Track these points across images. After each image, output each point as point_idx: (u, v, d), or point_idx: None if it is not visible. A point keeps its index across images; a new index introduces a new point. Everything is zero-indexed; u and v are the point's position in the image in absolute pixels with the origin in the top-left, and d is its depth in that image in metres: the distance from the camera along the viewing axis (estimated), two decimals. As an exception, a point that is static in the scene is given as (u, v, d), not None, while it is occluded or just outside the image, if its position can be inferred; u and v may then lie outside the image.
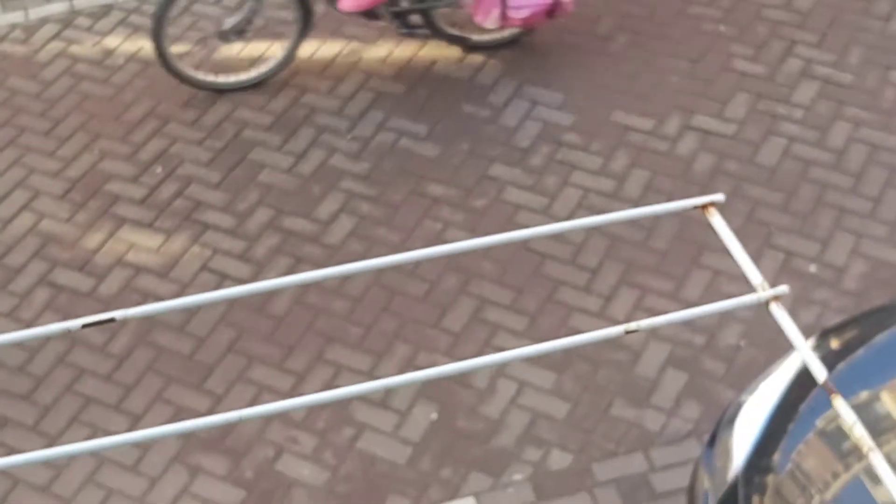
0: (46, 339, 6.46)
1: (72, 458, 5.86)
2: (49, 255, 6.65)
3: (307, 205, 7.05)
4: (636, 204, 7.02)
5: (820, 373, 1.96)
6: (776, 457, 4.76)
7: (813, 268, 6.66)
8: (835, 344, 5.24)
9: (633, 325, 2.27)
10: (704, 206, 2.37)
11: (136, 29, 8.13)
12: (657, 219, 7.04)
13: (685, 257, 6.79)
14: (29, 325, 6.35)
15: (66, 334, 6.48)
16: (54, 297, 6.50)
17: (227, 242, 6.75)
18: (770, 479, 4.71)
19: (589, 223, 2.42)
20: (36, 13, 8.27)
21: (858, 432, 1.95)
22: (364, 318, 6.42)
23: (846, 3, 8.43)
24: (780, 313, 2.27)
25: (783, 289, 2.42)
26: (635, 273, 6.69)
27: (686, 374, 6.00)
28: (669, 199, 6.85)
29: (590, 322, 6.49)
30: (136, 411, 6.19)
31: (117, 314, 1.83)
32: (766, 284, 2.49)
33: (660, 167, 7.25)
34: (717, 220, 2.35)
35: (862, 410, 4.79)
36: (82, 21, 8.34)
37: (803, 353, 2.03)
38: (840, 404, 1.98)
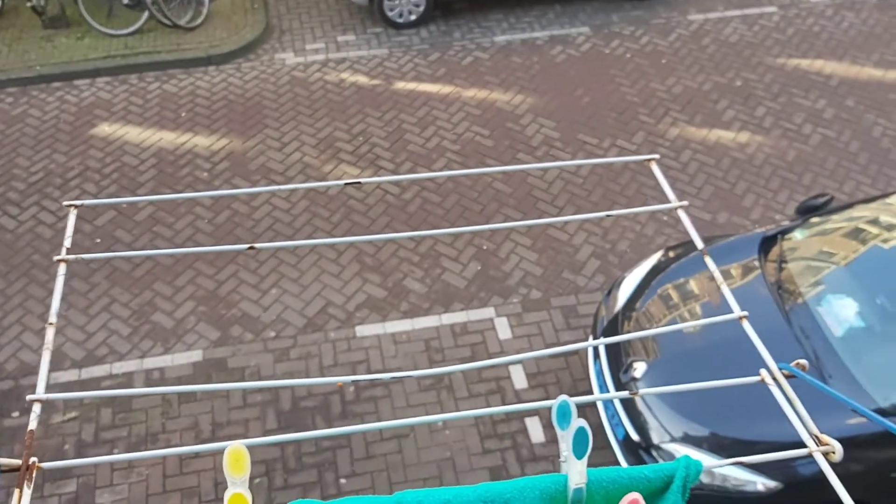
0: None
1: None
2: (306, 173, 7.04)
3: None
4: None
5: (699, 243, 1.72)
6: (638, 304, 5.16)
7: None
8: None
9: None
10: (648, 161, 1.89)
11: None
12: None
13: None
14: (291, 203, 6.83)
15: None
16: (307, 192, 6.78)
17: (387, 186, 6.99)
18: (633, 314, 5.11)
19: (557, 166, 2.06)
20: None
21: (717, 276, 1.70)
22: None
23: None
24: (685, 217, 1.80)
25: (685, 203, 1.84)
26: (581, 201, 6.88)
27: (599, 261, 6.32)
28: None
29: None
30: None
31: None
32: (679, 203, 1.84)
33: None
34: (656, 170, 1.85)
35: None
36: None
37: (698, 243, 1.70)
38: (709, 261, 1.75)
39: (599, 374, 5.02)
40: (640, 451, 4.56)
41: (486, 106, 7.87)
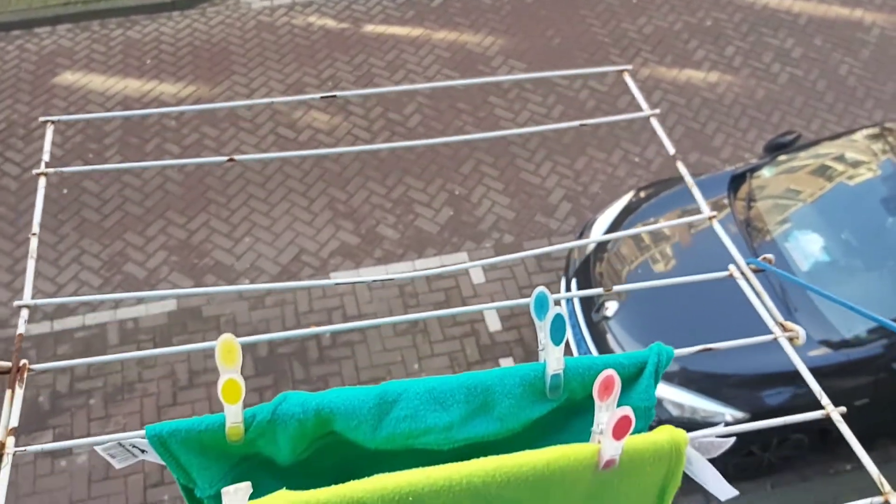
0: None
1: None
2: (275, 119, 6.91)
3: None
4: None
5: (671, 149, 1.67)
6: (609, 244, 5.20)
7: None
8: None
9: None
10: (621, 72, 1.84)
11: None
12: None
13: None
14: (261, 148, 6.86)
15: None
16: (278, 139, 6.73)
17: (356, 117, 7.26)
18: (605, 255, 5.19)
19: (530, 77, 2.12)
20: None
21: (688, 179, 1.65)
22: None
23: None
24: (657, 125, 1.74)
25: (657, 111, 1.77)
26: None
27: (571, 204, 6.36)
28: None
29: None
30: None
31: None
32: (652, 111, 1.75)
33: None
34: (629, 80, 1.80)
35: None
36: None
37: (670, 149, 1.66)
38: (680, 165, 1.68)
39: (572, 313, 5.08)
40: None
41: (456, 48, 7.77)
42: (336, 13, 8.17)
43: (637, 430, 1.10)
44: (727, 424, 4.26)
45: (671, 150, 1.62)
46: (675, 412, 4.46)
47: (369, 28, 7.99)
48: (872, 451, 5.05)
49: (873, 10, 8.30)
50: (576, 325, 5.02)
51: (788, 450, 4.82)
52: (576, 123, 1.82)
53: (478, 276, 5.84)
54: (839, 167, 5.24)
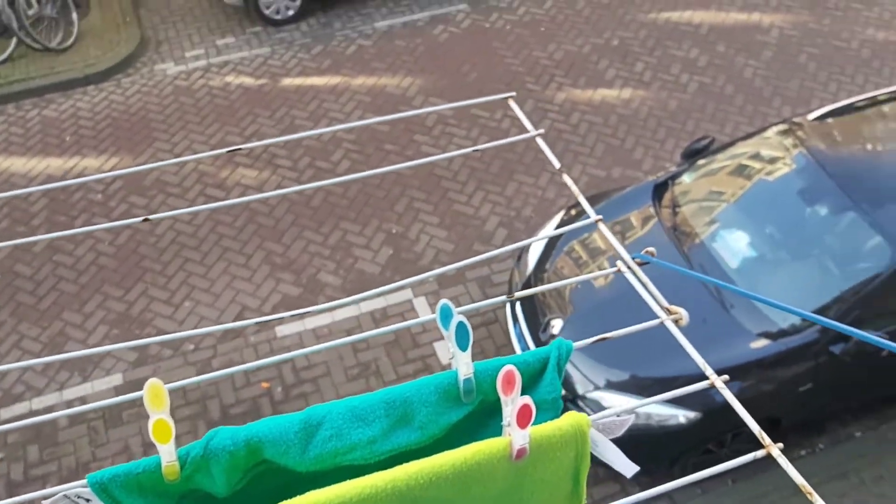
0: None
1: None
2: (203, 181, 6.93)
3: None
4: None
5: (557, 164, 1.76)
6: (548, 264, 5.33)
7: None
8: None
9: None
10: (506, 99, 1.89)
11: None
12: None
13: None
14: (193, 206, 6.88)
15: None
16: (208, 200, 6.64)
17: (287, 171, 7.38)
18: (545, 275, 5.27)
19: (423, 111, 2.03)
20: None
21: (574, 189, 1.73)
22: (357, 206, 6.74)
23: None
24: (543, 145, 1.81)
25: (541, 131, 1.83)
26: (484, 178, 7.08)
27: (506, 230, 6.47)
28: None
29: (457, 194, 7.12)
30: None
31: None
32: (536, 132, 1.83)
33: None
34: (514, 105, 1.87)
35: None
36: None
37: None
38: (566, 177, 1.77)
39: (520, 337, 5.17)
40: (567, 403, 4.74)
41: (376, 92, 7.89)
42: (252, 70, 8.27)
43: (547, 420, 1.19)
44: (681, 424, 4.27)
45: (556, 164, 1.75)
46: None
47: (287, 81, 8.11)
48: (823, 434, 5.19)
49: (770, 13, 8.73)
50: (525, 349, 5.10)
51: (744, 443, 4.92)
52: (469, 150, 1.88)
53: (424, 312, 5.89)
54: (755, 165, 5.46)
